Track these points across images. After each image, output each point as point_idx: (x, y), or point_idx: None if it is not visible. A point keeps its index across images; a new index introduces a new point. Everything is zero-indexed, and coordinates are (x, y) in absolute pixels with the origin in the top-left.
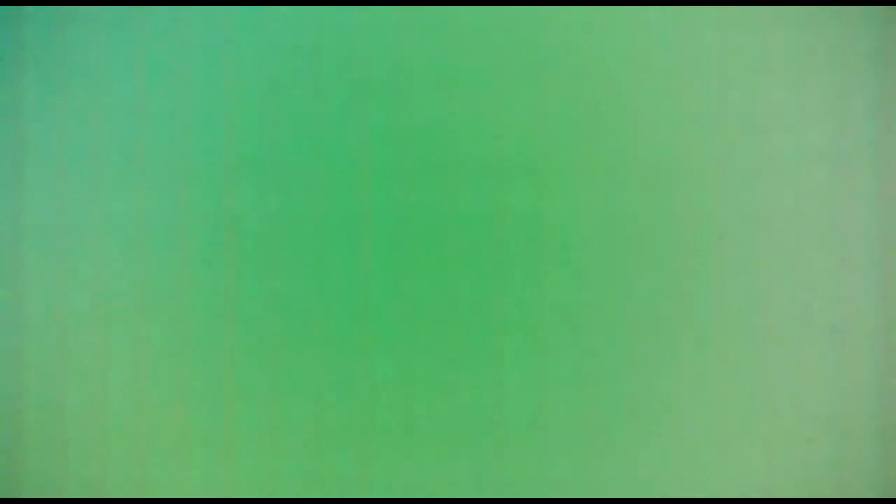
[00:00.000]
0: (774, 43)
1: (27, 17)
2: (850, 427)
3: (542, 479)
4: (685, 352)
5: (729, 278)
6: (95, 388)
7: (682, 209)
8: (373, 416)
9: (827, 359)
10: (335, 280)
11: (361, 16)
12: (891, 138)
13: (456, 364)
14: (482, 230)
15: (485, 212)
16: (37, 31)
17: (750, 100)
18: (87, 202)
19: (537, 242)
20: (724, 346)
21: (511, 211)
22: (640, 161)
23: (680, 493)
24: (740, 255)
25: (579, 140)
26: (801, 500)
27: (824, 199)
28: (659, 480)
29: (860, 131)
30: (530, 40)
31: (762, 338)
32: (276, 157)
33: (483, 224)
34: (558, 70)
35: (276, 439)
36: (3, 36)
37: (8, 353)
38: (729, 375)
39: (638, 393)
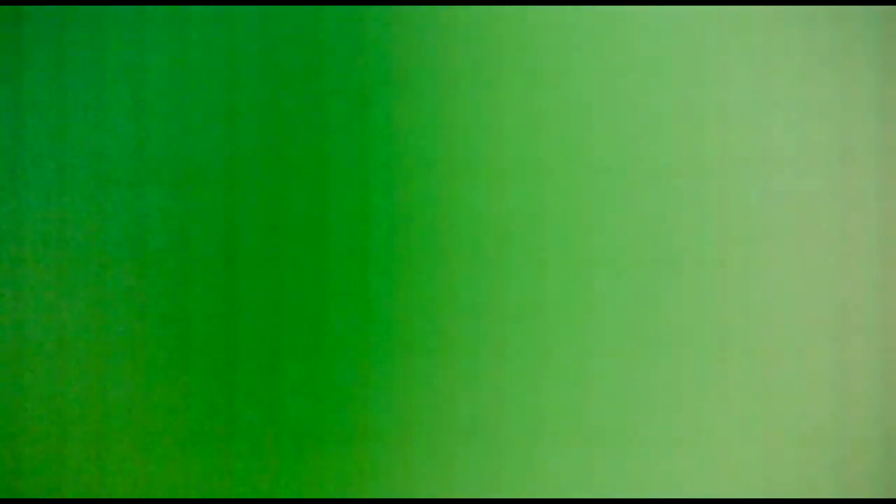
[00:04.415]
0: (775, 43)
1: (27, 17)
2: (851, 427)
3: (542, 479)
4: (686, 352)
5: (730, 277)
6: (95, 389)
7: (684, 208)
8: (371, 416)
9: (828, 358)
10: (335, 279)
11: (362, 16)
12: (891, 137)
13: (456, 364)
14: (483, 230)
15: (485, 212)
16: (37, 31)
17: (751, 100)
18: (87, 202)
19: (538, 243)
20: (724, 345)
21: (511, 211)
22: (641, 160)
23: (680, 493)
24: (741, 254)
25: (579, 140)
26: (802, 500)
27: (825, 197)
28: (659, 480)
29: (861, 130)
30: (530, 41)
31: (763, 336)
32: (277, 157)
33: (483, 224)
34: (559, 70)
35: (275, 439)
36: (3, 36)
37: (8, 353)
38: (730, 375)
39: (638, 393)
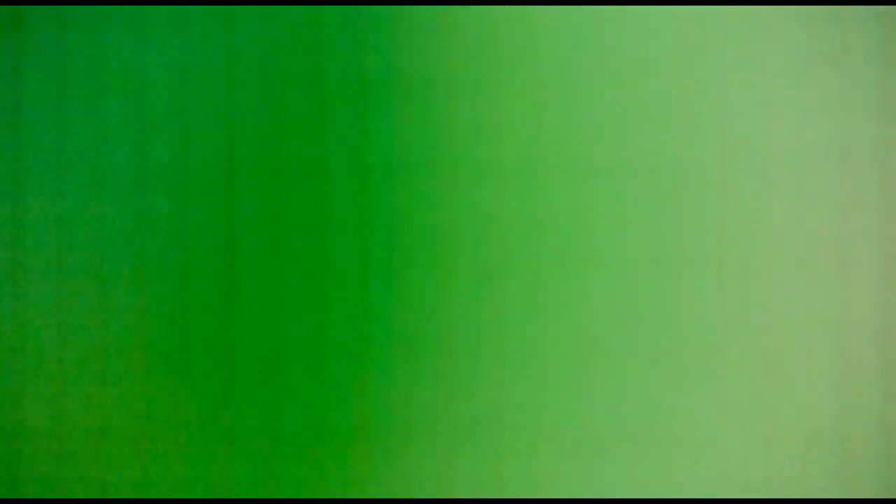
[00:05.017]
0: (775, 43)
1: (27, 17)
2: (851, 427)
3: (542, 479)
4: (686, 351)
5: (730, 278)
6: (95, 389)
7: (684, 208)
8: (371, 416)
9: (828, 359)
10: (336, 280)
11: (362, 16)
12: (891, 137)
13: (455, 364)
14: (482, 231)
15: (485, 214)
16: (37, 31)
17: (751, 100)
18: (87, 202)
19: (538, 244)
20: (724, 345)
21: (511, 212)
22: (641, 160)
23: (680, 493)
24: (741, 254)
25: (579, 140)
26: (802, 500)
27: (825, 198)
28: (659, 480)
29: (861, 131)
30: (529, 41)
31: (763, 337)
32: (278, 157)
33: (483, 225)
34: (558, 70)
35: (276, 439)
36: (3, 36)
37: (8, 353)
38: (730, 375)
39: (638, 393)
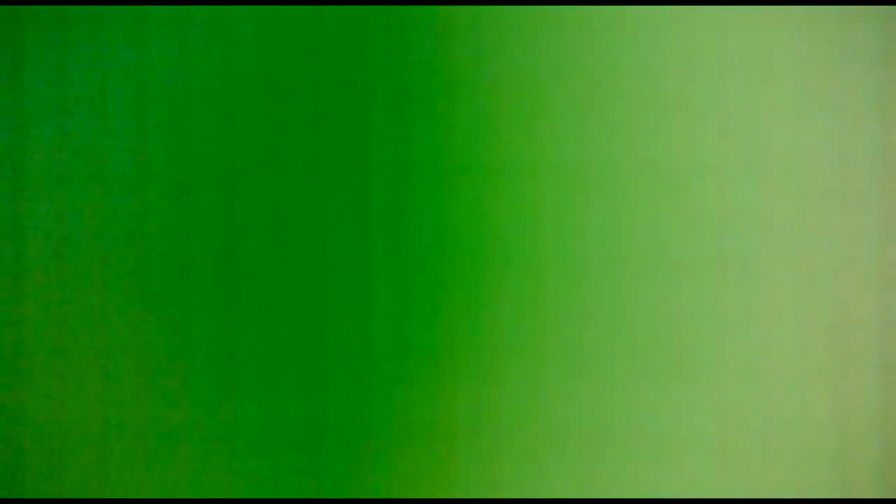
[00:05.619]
0: (775, 44)
1: (27, 17)
2: (851, 427)
3: (541, 479)
4: (685, 352)
5: (729, 277)
6: (96, 389)
7: (684, 208)
8: (370, 416)
9: (828, 358)
10: (335, 278)
11: (365, 16)
12: (891, 137)
13: (454, 364)
14: (480, 232)
15: (482, 214)
16: (37, 31)
17: (751, 101)
18: (87, 202)
19: (536, 243)
20: (724, 345)
21: (508, 212)
22: (640, 160)
23: (680, 493)
24: (741, 254)
25: (579, 140)
26: (802, 500)
27: (825, 199)
28: (659, 480)
29: (861, 131)
30: (529, 41)
31: (762, 337)
32: (278, 158)
33: (480, 226)
34: (558, 70)
35: (275, 439)
36: (3, 36)
37: (8, 353)
38: (729, 375)
39: (638, 393)
